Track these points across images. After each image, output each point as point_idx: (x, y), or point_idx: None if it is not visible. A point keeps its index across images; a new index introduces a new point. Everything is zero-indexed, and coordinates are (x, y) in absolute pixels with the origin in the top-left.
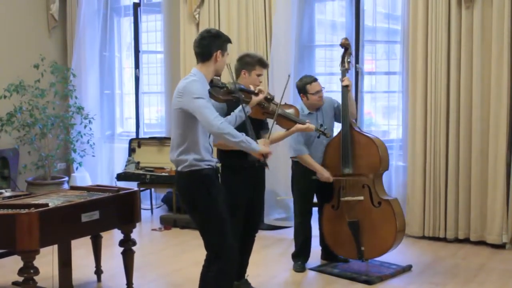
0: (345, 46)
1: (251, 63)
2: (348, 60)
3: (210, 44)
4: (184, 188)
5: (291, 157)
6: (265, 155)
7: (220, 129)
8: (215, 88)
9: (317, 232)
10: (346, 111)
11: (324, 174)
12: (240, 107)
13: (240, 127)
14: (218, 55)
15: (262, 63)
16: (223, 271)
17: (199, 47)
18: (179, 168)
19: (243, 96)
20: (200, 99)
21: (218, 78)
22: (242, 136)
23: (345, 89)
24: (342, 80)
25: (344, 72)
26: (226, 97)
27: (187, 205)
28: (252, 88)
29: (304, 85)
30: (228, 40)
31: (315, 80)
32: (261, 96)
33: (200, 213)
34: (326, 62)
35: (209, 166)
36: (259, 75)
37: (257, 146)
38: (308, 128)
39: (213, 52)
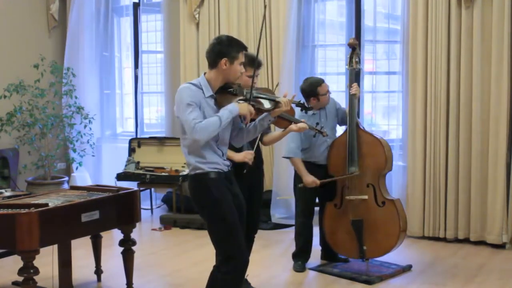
0: (352, 46)
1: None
2: (356, 60)
3: (215, 52)
4: (191, 191)
5: (283, 157)
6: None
7: (199, 132)
8: (227, 95)
9: (317, 232)
10: (353, 117)
11: (308, 179)
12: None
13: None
14: (223, 63)
15: (252, 63)
16: (231, 274)
17: (207, 53)
18: (188, 172)
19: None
20: (184, 110)
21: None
22: (219, 120)
23: (352, 97)
24: (350, 87)
25: (352, 72)
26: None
27: (196, 208)
28: (274, 97)
29: (315, 88)
30: (240, 47)
31: (323, 80)
32: (282, 108)
33: (207, 216)
34: (326, 62)
35: (215, 170)
36: (250, 77)
37: (236, 108)
38: (303, 127)
39: (217, 60)
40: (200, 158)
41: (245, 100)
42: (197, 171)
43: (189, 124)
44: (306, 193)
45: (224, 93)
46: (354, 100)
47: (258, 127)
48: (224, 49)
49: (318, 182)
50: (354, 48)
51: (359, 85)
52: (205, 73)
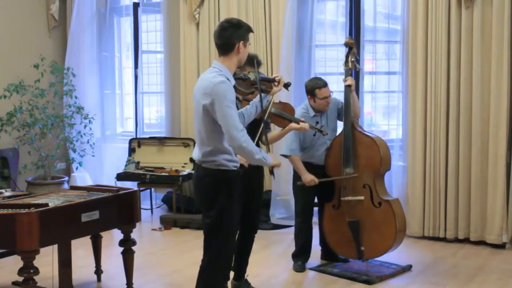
0: (349, 45)
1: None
2: (352, 59)
3: (232, 35)
4: (206, 186)
5: (280, 154)
6: (274, 167)
7: (242, 147)
8: (239, 81)
9: (316, 232)
10: (348, 111)
11: (307, 177)
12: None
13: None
14: (240, 46)
15: (253, 64)
16: (218, 273)
17: (221, 38)
18: (204, 165)
19: (264, 86)
20: (228, 108)
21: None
22: (260, 153)
23: (348, 88)
24: (345, 80)
25: (348, 71)
26: (249, 90)
27: (205, 203)
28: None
29: (314, 89)
30: (249, 30)
31: (325, 85)
32: (281, 86)
33: (216, 213)
34: (326, 62)
35: (235, 168)
36: None
37: (271, 160)
38: (303, 127)
39: (236, 43)
40: (228, 155)
41: (253, 82)
42: (221, 167)
43: (237, 126)
44: (304, 193)
45: (235, 79)
46: (350, 92)
47: (257, 107)
48: (239, 31)
49: (316, 180)
50: (351, 48)
51: (358, 84)
52: (216, 62)
